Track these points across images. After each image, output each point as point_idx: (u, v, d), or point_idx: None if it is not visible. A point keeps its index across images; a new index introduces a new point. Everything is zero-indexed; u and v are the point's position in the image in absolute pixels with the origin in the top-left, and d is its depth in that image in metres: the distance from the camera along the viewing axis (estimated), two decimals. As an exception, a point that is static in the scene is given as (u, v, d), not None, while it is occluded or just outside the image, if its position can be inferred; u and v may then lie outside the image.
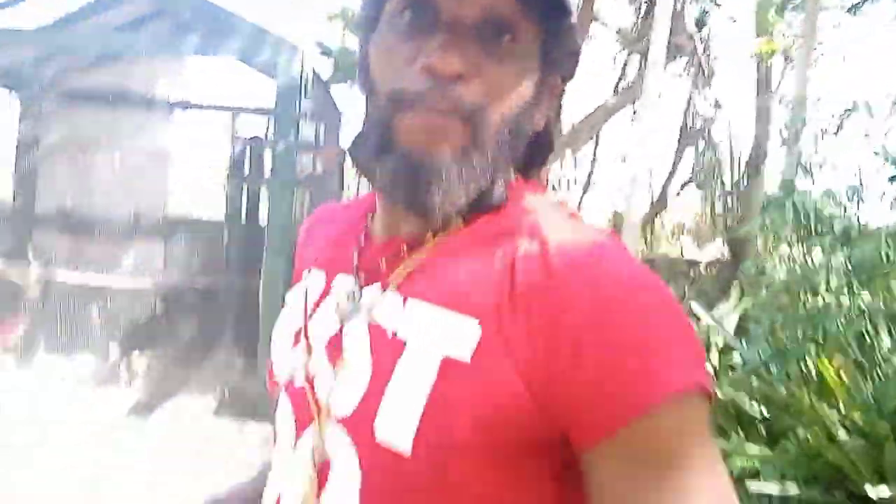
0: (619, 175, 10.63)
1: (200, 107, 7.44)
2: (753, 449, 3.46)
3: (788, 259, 3.75)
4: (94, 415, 4.96)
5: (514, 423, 0.59)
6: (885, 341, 3.40)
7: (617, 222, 9.42)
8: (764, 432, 3.90)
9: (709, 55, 8.98)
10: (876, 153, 3.33)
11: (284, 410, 0.72)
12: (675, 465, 0.58)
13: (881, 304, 3.41)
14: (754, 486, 3.27)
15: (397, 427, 0.61)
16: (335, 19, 5.72)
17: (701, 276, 8.43)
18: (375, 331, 0.66)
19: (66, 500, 3.77)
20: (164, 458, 4.57)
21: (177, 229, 6.63)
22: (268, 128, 6.89)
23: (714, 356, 5.15)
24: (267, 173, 6.30)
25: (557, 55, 0.70)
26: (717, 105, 8.94)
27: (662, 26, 4.51)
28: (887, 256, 3.23)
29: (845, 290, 3.46)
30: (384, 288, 0.68)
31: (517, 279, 0.62)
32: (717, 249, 10.27)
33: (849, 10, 6.22)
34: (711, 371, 4.76)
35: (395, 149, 0.65)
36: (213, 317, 5.66)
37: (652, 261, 9.41)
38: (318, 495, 0.65)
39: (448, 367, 0.60)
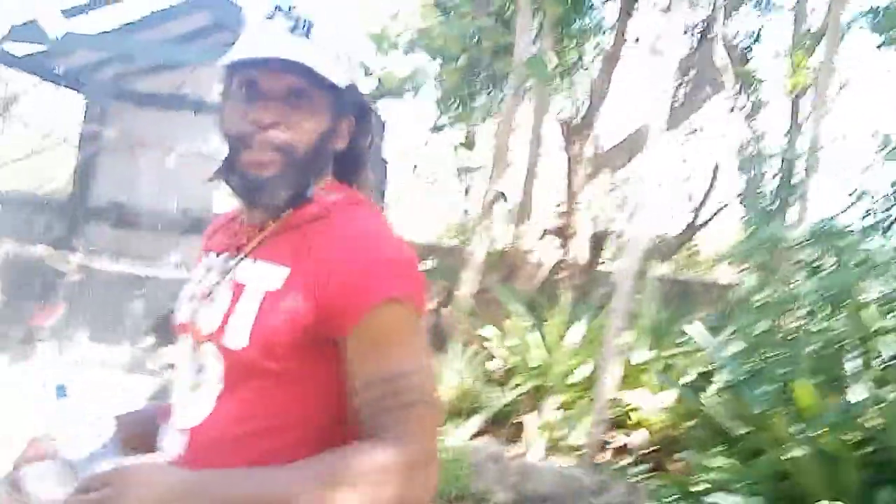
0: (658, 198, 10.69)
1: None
2: (719, 461, 3.60)
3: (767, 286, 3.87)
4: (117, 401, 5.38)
5: (303, 324, 1.00)
6: (851, 365, 3.50)
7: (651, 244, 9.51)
8: (744, 450, 4.04)
9: (752, 88, 9.03)
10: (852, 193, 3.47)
11: (182, 340, 1.14)
12: (386, 342, 1.01)
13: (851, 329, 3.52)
14: (710, 498, 3.42)
15: (237, 334, 1.03)
16: (373, 39, 6.07)
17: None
18: (234, 284, 1.08)
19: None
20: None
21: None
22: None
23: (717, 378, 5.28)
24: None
25: (342, 105, 1.10)
26: (760, 136, 8.97)
27: (670, 58, 4.69)
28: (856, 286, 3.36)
29: (817, 316, 3.59)
30: (242, 255, 1.11)
31: (308, 241, 1.05)
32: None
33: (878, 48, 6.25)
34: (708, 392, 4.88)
35: (238, 172, 1.07)
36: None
37: (686, 282, 9.45)
38: (196, 389, 1.08)
39: (268, 296, 1.03)
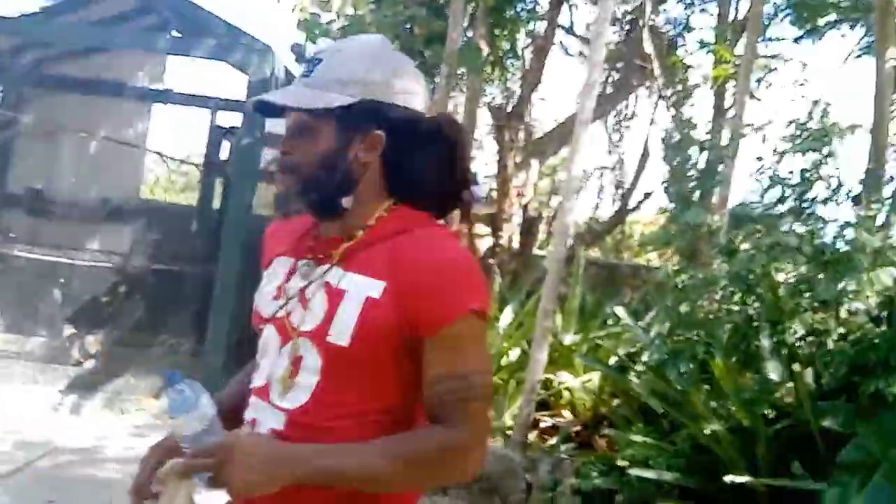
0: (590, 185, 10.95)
1: (179, 99, 7.71)
2: (639, 438, 3.74)
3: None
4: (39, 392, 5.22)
5: (397, 328, 1.15)
6: (765, 343, 3.68)
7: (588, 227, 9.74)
8: (667, 426, 4.20)
9: (681, 78, 9.30)
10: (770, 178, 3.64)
11: (270, 332, 1.26)
12: (462, 347, 1.16)
13: (762, 311, 3.69)
14: (634, 470, 3.56)
15: (341, 332, 1.16)
16: (301, 25, 5.98)
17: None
18: (327, 287, 1.20)
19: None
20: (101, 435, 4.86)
21: (146, 214, 6.88)
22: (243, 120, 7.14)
23: (643, 358, 5.46)
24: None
25: (351, 126, 1.21)
26: (688, 124, 9.23)
27: (598, 49, 4.79)
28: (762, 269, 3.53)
29: (734, 297, 3.75)
30: (331, 264, 1.22)
31: (395, 255, 1.18)
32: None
33: (795, 41, 6.55)
34: (633, 372, 5.05)
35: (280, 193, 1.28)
36: (169, 301, 5.91)
37: (615, 266, 9.71)
38: (292, 377, 1.20)
39: (369, 302, 1.16)
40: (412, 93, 1.24)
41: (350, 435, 1.16)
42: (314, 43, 6.20)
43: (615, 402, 5.03)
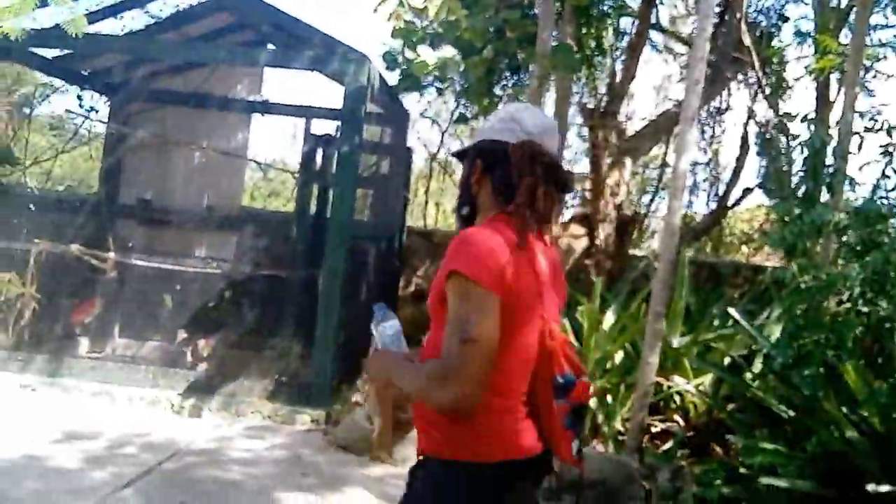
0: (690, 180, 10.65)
1: (276, 109, 7.93)
2: (769, 446, 3.60)
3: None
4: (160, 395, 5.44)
5: (438, 289, 1.58)
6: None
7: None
8: (791, 433, 4.04)
9: (774, 69, 8.95)
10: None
11: None
12: (455, 295, 1.52)
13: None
14: (765, 479, 3.42)
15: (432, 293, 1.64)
16: (397, 33, 6.04)
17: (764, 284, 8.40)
18: None
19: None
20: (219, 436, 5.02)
21: (249, 222, 7.09)
22: (338, 129, 7.28)
23: (759, 360, 5.27)
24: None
25: (469, 162, 1.78)
26: (782, 115, 8.87)
27: (702, 43, 4.65)
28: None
29: (862, 298, 3.57)
30: None
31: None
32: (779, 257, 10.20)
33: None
34: (750, 374, 4.88)
35: None
36: (275, 306, 6.08)
37: (714, 265, 9.42)
38: None
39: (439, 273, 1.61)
40: (502, 130, 1.69)
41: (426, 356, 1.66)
42: (412, 50, 6.27)
43: (730, 406, 4.87)
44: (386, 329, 1.77)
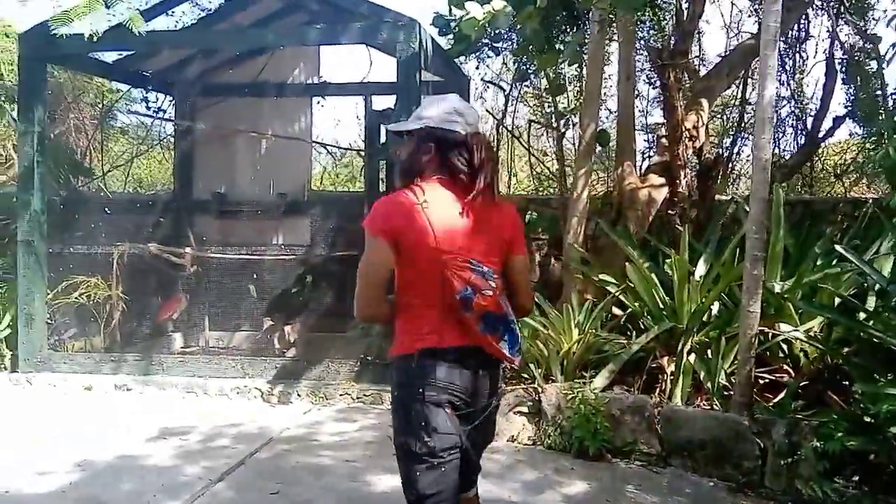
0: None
1: (334, 89, 7.83)
2: (893, 390, 3.26)
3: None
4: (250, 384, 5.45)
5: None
6: None
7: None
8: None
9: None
10: None
11: None
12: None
13: None
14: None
15: None
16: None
17: (867, 216, 7.80)
18: None
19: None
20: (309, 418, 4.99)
21: (321, 205, 7.05)
22: (396, 101, 7.11)
23: (871, 299, 4.84)
24: (399, 146, 6.47)
25: (418, 142, 2.21)
26: (870, 37, 8.17)
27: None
28: None
29: None
30: None
31: None
32: (882, 188, 9.48)
33: None
34: (864, 314, 4.50)
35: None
36: (354, 285, 5.99)
37: (809, 202, 8.84)
38: None
39: None
40: (451, 122, 2.17)
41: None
42: (460, 8, 6.01)
43: (845, 350, 4.49)
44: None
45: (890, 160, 3.54)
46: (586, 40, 6.72)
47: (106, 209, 6.32)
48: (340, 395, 5.23)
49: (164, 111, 7.83)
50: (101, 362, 5.69)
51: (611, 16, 6.16)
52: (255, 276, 6.32)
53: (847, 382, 4.56)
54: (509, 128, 9.77)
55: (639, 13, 7.31)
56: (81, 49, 4.50)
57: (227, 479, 3.79)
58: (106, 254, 5.83)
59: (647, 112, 10.28)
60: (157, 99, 7.78)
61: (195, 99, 7.23)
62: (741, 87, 9.43)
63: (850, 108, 8.82)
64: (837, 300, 4.86)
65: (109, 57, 6.52)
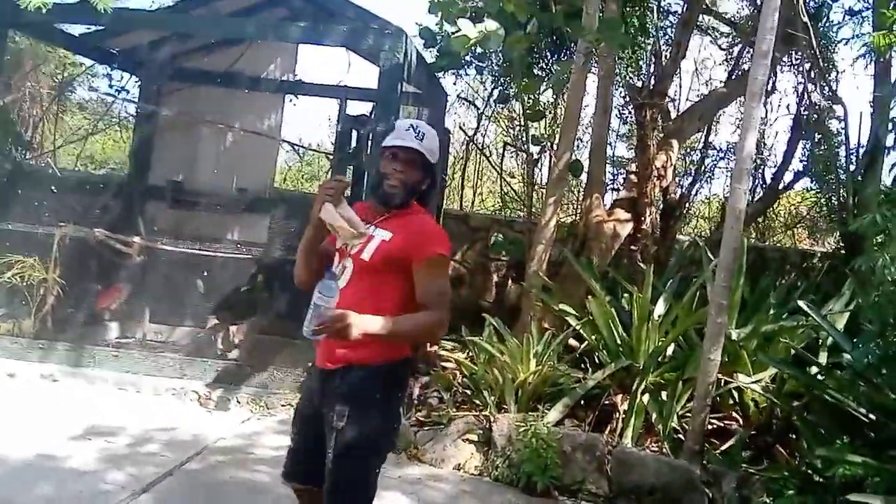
0: (731, 163, 10.17)
1: (310, 89, 7.64)
2: (856, 458, 3.22)
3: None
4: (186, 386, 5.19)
5: (396, 255, 2.28)
6: None
7: (723, 211, 9.02)
8: (872, 439, 3.65)
9: (826, 47, 8.42)
10: None
11: (337, 255, 2.39)
12: (437, 274, 2.32)
13: None
14: (854, 496, 3.05)
15: (368, 255, 2.29)
16: (434, 7, 5.68)
17: (815, 269, 7.93)
18: (369, 237, 2.32)
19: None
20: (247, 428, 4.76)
21: (282, 204, 6.82)
22: (373, 108, 6.95)
23: (823, 355, 4.86)
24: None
25: (428, 171, 2.43)
26: (834, 97, 8.35)
27: (770, 13, 4.23)
28: None
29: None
30: (370, 224, 2.36)
31: (404, 222, 2.36)
32: (832, 243, 9.68)
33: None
34: (817, 369, 4.50)
35: (382, 189, 2.38)
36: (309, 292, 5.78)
37: (762, 250, 8.97)
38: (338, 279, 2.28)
39: (382, 241, 2.31)
40: (435, 154, 2.43)
41: (371, 309, 2.21)
42: (451, 24, 5.91)
43: (795, 404, 4.48)
44: (329, 295, 2.13)
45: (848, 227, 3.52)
46: (567, 70, 6.69)
47: (52, 187, 5.98)
48: (283, 405, 5.01)
49: (128, 91, 7.52)
50: (28, 349, 5.33)
51: (595, 49, 6.13)
52: (205, 272, 6.05)
53: (795, 436, 4.57)
54: (480, 146, 9.71)
55: (622, 50, 7.32)
56: (48, 19, 4.21)
57: (153, 491, 3.52)
58: (47, 234, 5.48)
59: (614, 147, 10.33)
60: (122, 78, 7.45)
61: (162, 82, 6.94)
62: (706, 131, 9.56)
63: (806, 164, 9.00)
64: (791, 353, 4.87)
65: (77, 30, 6.22)
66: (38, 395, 4.86)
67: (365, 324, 2.13)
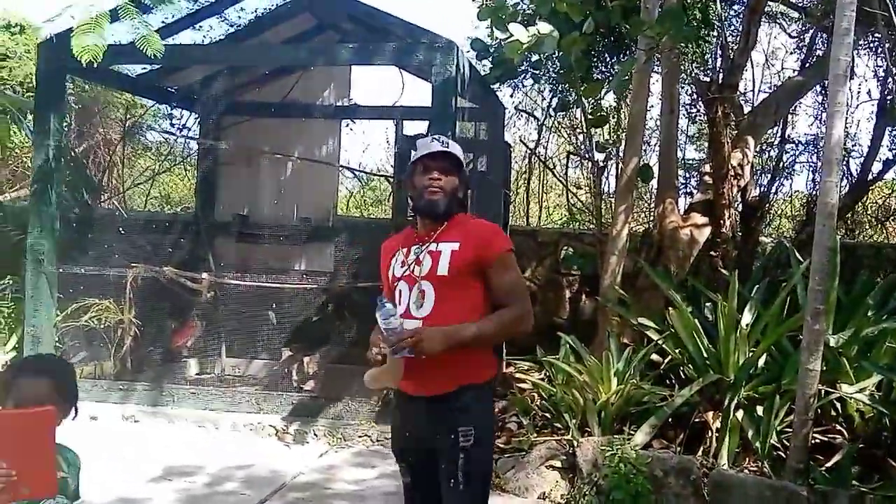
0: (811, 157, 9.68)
1: (365, 112, 7.60)
2: None
3: None
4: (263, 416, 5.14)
5: (470, 261, 2.33)
6: None
7: (811, 209, 8.54)
8: None
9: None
10: None
11: (402, 284, 2.37)
12: (509, 268, 2.40)
13: None
14: None
15: (444, 269, 2.33)
16: (485, 14, 5.54)
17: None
18: (430, 252, 2.37)
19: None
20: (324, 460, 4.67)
21: (346, 231, 6.77)
22: (429, 127, 6.85)
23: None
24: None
25: (463, 175, 2.47)
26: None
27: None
28: None
29: None
30: (430, 241, 2.40)
31: (463, 229, 2.41)
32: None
33: None
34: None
35: (424, 202, 2.40)
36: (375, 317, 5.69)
37: (853, 247, 8.44)
38: (421, 305, 2.33)
39: (453, 252, 2.34)
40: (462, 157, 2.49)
41: (455, 319, 2.29)
42: (502, 30, 5.76)
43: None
44: (388, 317, 2.15)
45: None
46: (629, 70, 6.44)
47: (120, 229, 6.07)
48: (359, 436, 4.90)
49: (189, 129, 7.64)
50: (108, 390, 5.41)
51: (657, 45, 5.87)
52: (276, 304, 6.02)
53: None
54: (543, 158, 9.50)
55: (686, 44, 7.03)
56: (102, 62, 4.25)
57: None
58: (119, 275, 5.56)
59: (684, 149, 9.96)
60: (182, 116, 7.57)
61: (220, 117, 7.01)
62: (782, 125, 9.10)
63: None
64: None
65: (135, 70, 6.33)
66: (120, 437, 4.90)
67: (449, 335, 2.21)
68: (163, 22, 4.84)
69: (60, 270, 5.37)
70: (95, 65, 3.66)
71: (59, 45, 5.05)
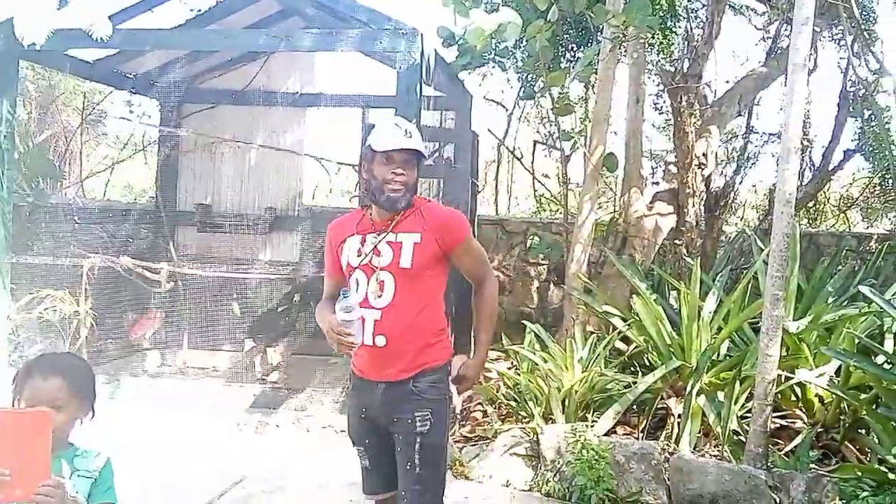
0: (776, 148, 9.79)
1: (329, 100, 7.51)
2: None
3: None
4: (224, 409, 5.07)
5: (434, 251, 2.38)
6: None
7: (771, 198, 8.64)
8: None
9: (867, 18, 8.02)
10: None
11: (359, 273, 2.39)
12: (471, 249, 2.50)
13: None
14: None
15: (406, 261, 2.35)
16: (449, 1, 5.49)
17: (872, 253, 7.52)
18: (390, 243, 2.38)
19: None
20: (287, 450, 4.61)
21: (311, 220, 6.69)
22: (394, 115, 6.77)
23: (889, 343, 4.55)
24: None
25: (421, 164, 2.45)
26: (881, 70, 7.93)
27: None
28: None
29: None
30: (387, 231, 2.40)
31: (422, 218, 2.41)
32: (889, 223, 9.24)
33: None
34: (884, 358, 4.19)
35: (385, 196, 2.36)
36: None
37: (814, 236, 8.57)
38: (380, 295, 2.35)
39: (415, 244, 2.36)
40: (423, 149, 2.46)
41: (421, 314, 2.37)
42: (465, 17, 5.72)
43: (863, 397, 4.16)
44: (349, 311, 2.24)
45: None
46: (594, 59, 6.44)
47: (76, 218, 5.92)
48: (323, 427, 4.85)
49: (150, 116, 7.48)
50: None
51: (622, 34, 5.87)
52: (240, 294, 5.93)
53: (865, 432, 4.26)
54: (510, 148, 9.49)
55: (650, 34, 7.05)
56: (57, 46, 4.12)
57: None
58: (74, 265, 5.42)
59: (650, 139, 10.02)
60: (141, 103, 7.40)
61: (180, 104, 6.87)
62: (747, 114, 9.20)
63: (857, 142, 8.60)
64: (855, 343, 4.55)
65: (92, 55, 6.15)
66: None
67: (483, 360, 2.56)
68: (120, 8, 4.70)
69: (13, 261, 5.23)
70: (38, 48, 3.53)
71: (10, 27, 4.90)
